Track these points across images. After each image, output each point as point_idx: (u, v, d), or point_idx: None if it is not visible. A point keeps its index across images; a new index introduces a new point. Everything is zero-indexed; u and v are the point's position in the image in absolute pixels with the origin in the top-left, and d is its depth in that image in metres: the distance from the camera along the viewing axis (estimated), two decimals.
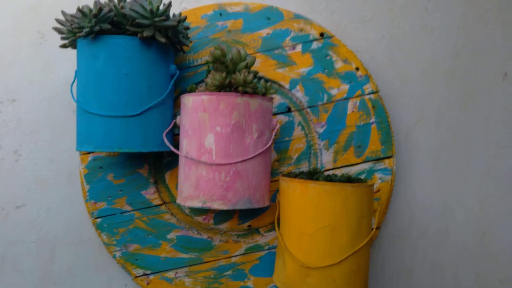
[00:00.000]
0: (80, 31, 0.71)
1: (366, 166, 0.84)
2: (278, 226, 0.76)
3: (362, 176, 0.84)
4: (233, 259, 0.84)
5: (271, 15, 0.84)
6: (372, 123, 0.84)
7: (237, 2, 0.85)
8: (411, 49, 0.90)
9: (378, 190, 0.83)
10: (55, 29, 0.75)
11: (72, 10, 0.76)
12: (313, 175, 0.74)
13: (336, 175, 0.73)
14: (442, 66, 0.90)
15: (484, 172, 0.91)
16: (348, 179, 0.72)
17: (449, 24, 0.90)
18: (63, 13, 0.74)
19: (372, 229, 0.73)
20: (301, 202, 0.69)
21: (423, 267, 0.90)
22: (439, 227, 0.90)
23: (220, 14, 0.84)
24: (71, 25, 0.71)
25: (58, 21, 0.75)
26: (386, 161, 0.84)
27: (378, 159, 0.84)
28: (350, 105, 0.84)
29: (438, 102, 0.90)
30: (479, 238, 0.91)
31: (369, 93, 0.84)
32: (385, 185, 0.84)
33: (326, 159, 0.84)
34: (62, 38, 0.75)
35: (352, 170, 0.84)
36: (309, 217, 0.68)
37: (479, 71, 0.91)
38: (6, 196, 0.87)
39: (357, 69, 0.84)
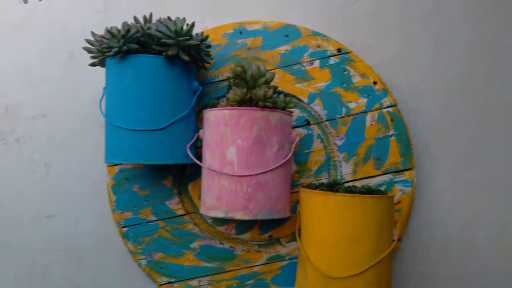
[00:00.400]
0: (109, 51, 0.75)
1: (386, 178, 0.85)
2: (299, 237, 0.78)
3: (382, 188, 0.84)
4: (255, 269, 0.85)
5: (289, 32, 0.87)
6: (391, 136, 0.85)
7: (256, 20, 0.88)
8: (428, 64, 0.91)
9: (399, 202, 0.84)
10: (85, 49, 0.79)
11: (98, 30, 0.80)
12: (333, 186, 0.76)
13: (356, 187, 0.74)
14: (457, 80, 0.91)
15: (505, 184, 0.90)
16: (368, 191, 0.73)
17: (465, 39, 0.91)
18: (93, 33, 0.78)
19: (394, 240, 0.73)
20: (321, 213, 0.70)
21: (446, 279, 0.90)
22: (461, 239, 0.90)
23: (240, 32, 0.88)
24: (101, 45, 0.76)
25: (88, 41, 0.79)
26: (406, 173, 0.85)
27: (398, 171, 0.85)
28: (369, 118, 0.86)
29: (456, 116, 0.91)
30: (502, 251, 0.90)
31: (387, 107, 0.86)
32: (406, 197, 0.85)
33: (345, 171, 0.86)
34: (92, 57, 0.79)
35: (372, 182, 0.85)
36: (329, 227, 0.69)
37: (496, 86, 0.91)
38: (37, 207, 0.91)
39: (375, 83, 0.86)
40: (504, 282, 0.90)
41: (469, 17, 0.91)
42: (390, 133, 0.85)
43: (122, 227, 0.86)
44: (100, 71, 0.90)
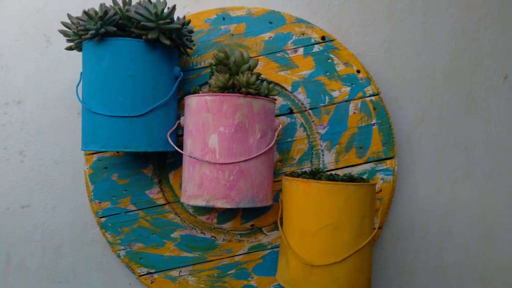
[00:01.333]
0: (86, 34, 0.73)
1: (368, 166, 0.85)
2: (281, 225, 0.77)
3: (364, 176, 0.85)
4: (237, 258, 0.84)
5: (273, 19, 0.86)
6: (373, 125, 0.85)
7: (240, 6, 0.87)
8: (412, 52, 0.91)
9: (380, 191, 0.84)
10: (61, 31, 0.76)
11: (77, 13, 0.77)
12: (315, 174, 0.75)
13: (338, 175, 0.74)
14: (443, 69, 0.92)
15: (486, 173, 0.92)
16: (351, 179, 0.72)
17: (449, 28, 0.92)
18: (69, 16, 0.75)
19: (375, 228, 0.73)
20: (303, 201, 0.70)
21: (426, 268, 0.91)
22: (442, 227, 0.91)
23: (223, 18, 0.86)
24: (77, 27, 0.73)
25: (64, 24, 0.76)
26: (388, 161, 0.85)
27: (380, 160, 0.85)
28: (352, 107, 0.86)
29: (439, 104, 0.92)
30: (482, 239, 0.92)
31: (370, 95, 0.86)
32: (387, 185, 0.85)
33: (328, 159, 0.85)
34: (68, 41, 0.76)
35: (354, 171, 0.85)
36: (312, 215, 0.69)
37: (479, 74, 0.92)
38: (12, 196, 0.88)
39: (358, 71, 0.86)
40: (484, 270, 0.92)
41: (454, 5, 0.92)
42: (372, 122, 0.85)
43: (100, 217, 0.84)
44: (78, 55, 0.88)
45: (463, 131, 0.92)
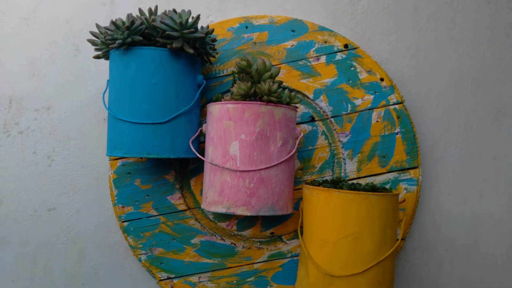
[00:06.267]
0: (113, 43, 0.75)
1: (391, 176, 0.83)
2: (301, 234, 0.77)
3: (387, 186, 0.83)
4: (256, 266, 0.84)
5: (295, 27, 0.86)
6: (397, 133, 0.84)
7: (262, 15, 0.87)
8: (437, 60, 0.89)
9: (404, 201, 0.82)
10: (89, 41, 0.79)
11: (104, 24, 0.79)
12: (337, 183, 0.74)
13: (360, 184, 0.73)
14: (470, 77, 0.89)
15: None
16: (373, 188, 0.71)
17: (476, 35, 0.90)
18: (97, 26, 0.78)
19: (398, 239, 0.72)
20: (324, 210, 0.69)
21: (450, 282, 0.88)
22: (467, 240, 0.88)
23: (246, 27, 0.87)
24: (105, 37, 0.75)
25: (92, 33, 0.79)
26: (412, 171, 0.83)
27: (403, 169, 0.83)
28: (375, 115, 0.84)
29: (465, 113, 0.89)
30: (511, 254, 0.88)
31: (394, 104, 0.84)
32: (411, 195, 0.83)
33: (349, 168, 0.84)
34: (96, 50, 0.79)
35: (377, 180, 0.84)
36: (333, 225, 0.68)
37: (509, 81, 0.89)
38: (39, 199, 0.91)
39: (382, 79, 0.85)
40: None
41: (482, 11, 0.90)
42: (396, 131, 0.84)
43: (123, 222, 0.85)
44: (105, 64, 0.90)
45: (491, 140, 0.89)
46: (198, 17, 0.74)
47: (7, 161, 0.91)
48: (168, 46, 0.74)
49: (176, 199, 0.86)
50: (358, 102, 0.85)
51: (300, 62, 0.86)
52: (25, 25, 0.92)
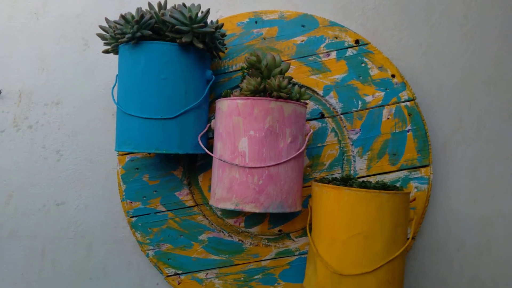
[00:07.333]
0: (122, 37, 0.74)
1: (401, 174, 0.82)
2: (310, 232, 0.76)
3: (397, 184, 0.82)
4: (263, 263, 0.84)
5: (306, 22, 0.85)
6: (408, 131, 0.83)
7: (272, 10, 0.86)
8: (450, 56, 0.88)
9: (414, 199, 0.81)
10: (99, 35, 0.79)
11: (113, 18, 0.79)
12: (346, 181, 0.74)
13: (370, 182, 0.72)
14: (483, 74, 0.88)
15: None
16: (383, 186, 0.70)
17: (490, 31, 0.88)
18: (107, 20, 0.78)
19: (408, 238, 0.71)
20: (334, 208, 0.68)
21: (460, 281, 0.87)
22: (478, 240, 0.87)
23: (256, 22, 0.86)
24: (114, 31, 0.75)
25: (101, 27, 0.78)
26: (423, 170, 0.82)
27: (414, 168, 0.82)
28: (385, 112, 0.83)
29: (478, 111, 0.88)
30: None
31: (405, 101, 0.83)
32: (421, 194, 0.82)
33: (359, 166, 0.83)
34: (105, 44, 0.79)
35: (387, 178, 0.82)
36: (342, 223, 0.67)
37: None
38: (48, 194, 0.91)
39: (393, 76, 0.83)
40: None
41: (497, 8, 0.88)
42: (407, 128, 0.83)
43: (131, 217, 0.85)
44: (114, 58, 0.90)
45: (504, 139, 0.87)
46: (207, 12, 0.74)
47: (16, 155, 0.91)
48: (178, 41, 0.73)
49: (184, 195, 0.85)
50: (368, 98, 0.84)
51: (310, 58, 0.85)
52: (35, 19, 0.92)
